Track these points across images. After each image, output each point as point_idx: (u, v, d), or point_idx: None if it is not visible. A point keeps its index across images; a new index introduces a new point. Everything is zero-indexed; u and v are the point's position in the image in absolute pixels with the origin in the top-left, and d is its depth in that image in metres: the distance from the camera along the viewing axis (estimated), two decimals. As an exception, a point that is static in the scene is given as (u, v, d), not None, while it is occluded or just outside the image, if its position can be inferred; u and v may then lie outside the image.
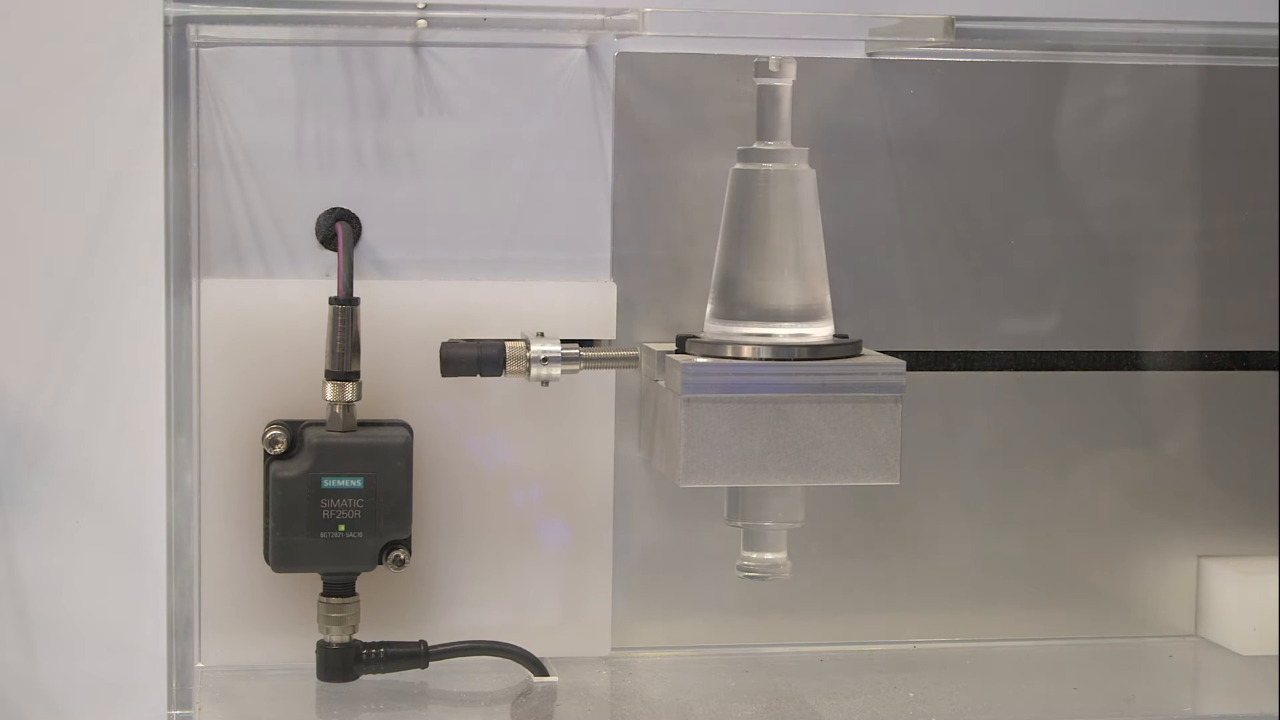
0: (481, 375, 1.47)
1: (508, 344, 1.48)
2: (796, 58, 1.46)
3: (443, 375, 1.47)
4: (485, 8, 1.43)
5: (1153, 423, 1.65)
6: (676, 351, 1.47)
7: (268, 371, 1.49)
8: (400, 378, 1.50)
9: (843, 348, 1.45)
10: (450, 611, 1.53)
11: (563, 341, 1.49)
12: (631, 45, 1.53)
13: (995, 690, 1.54)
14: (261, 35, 1.48)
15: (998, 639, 1.64)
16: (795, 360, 1.43)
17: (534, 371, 1.47)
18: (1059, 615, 1.65)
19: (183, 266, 1.44)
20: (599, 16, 1.43)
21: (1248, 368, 1.65)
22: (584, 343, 1.51)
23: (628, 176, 1.55)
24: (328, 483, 1.44)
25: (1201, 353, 1.65)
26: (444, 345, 1.47)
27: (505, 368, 1.47)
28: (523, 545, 1.54)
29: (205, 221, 1.49)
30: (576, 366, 1.49)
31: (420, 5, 1.41)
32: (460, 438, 1.52)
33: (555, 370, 1.48)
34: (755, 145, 1.46)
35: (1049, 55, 1.59)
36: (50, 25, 1.43)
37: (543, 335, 1.49)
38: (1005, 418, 1.62)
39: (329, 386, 1.45)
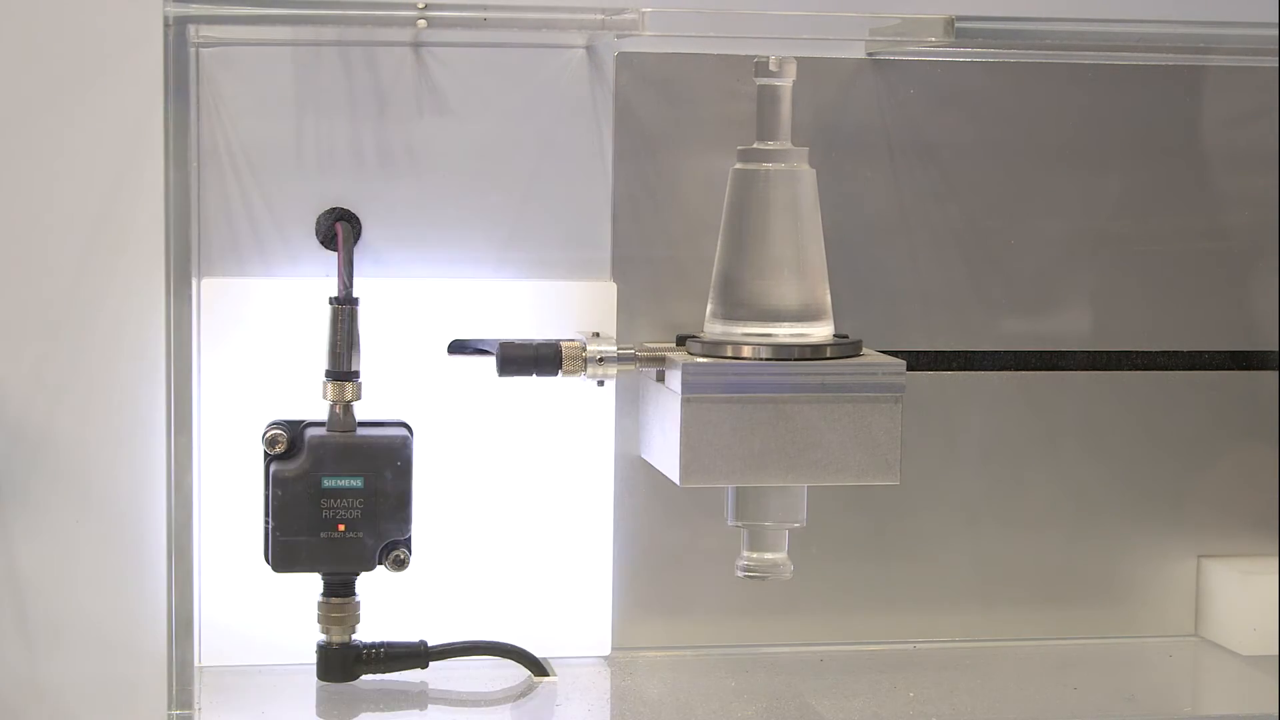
0: (537, 375, 1.46)
1: (564, 344, 1.47)
2: (796, 58, 1.46)
3: (499, 375, 1.46)
4: (485, 8, 1.43)
5: (1153, 423, 1.65)
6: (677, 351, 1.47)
7: (268, 371, 1.49)
8: (400, 378, 1.50)
9: (843, 348, 1.45)
10: (450, 611, 1.53)
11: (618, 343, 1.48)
12: (631, 45, 1.53)
13: (995, 690, 1.54)
14: (261, 35, 1.48)
15: (998, 639, 1.64)
16: (795, 360, 1.43)
17: (590, 371, 1.47)
18: (1059, 615, 1.65)
19: (183, 266, 1.44)
20: (599, 16, 1.43)
21: (1248, 368, 1.65)
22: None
23: (628, 176, 1.55)
24: (328, 483, 1.44)
25: (1201, 353, 1.65)
26: (501, 345, 1.46)
27: (561, 368, 1.47)
28: (523, 545, 1.54)
29: (205, 221, 1.49)
30: (631, 366, 1.48)
31: (420, 5, 1.41)
32: (460, 438, 1.52)
33: (611, 370, 1.47)
34: (755, 145, 1.46)
35: (1049, 55, 1.59)
36: (50, 25, 1.43)
37: (598, 335, 1.49)
38: (1005, 418, 1.62)
39: (329, 386, 1.45)
